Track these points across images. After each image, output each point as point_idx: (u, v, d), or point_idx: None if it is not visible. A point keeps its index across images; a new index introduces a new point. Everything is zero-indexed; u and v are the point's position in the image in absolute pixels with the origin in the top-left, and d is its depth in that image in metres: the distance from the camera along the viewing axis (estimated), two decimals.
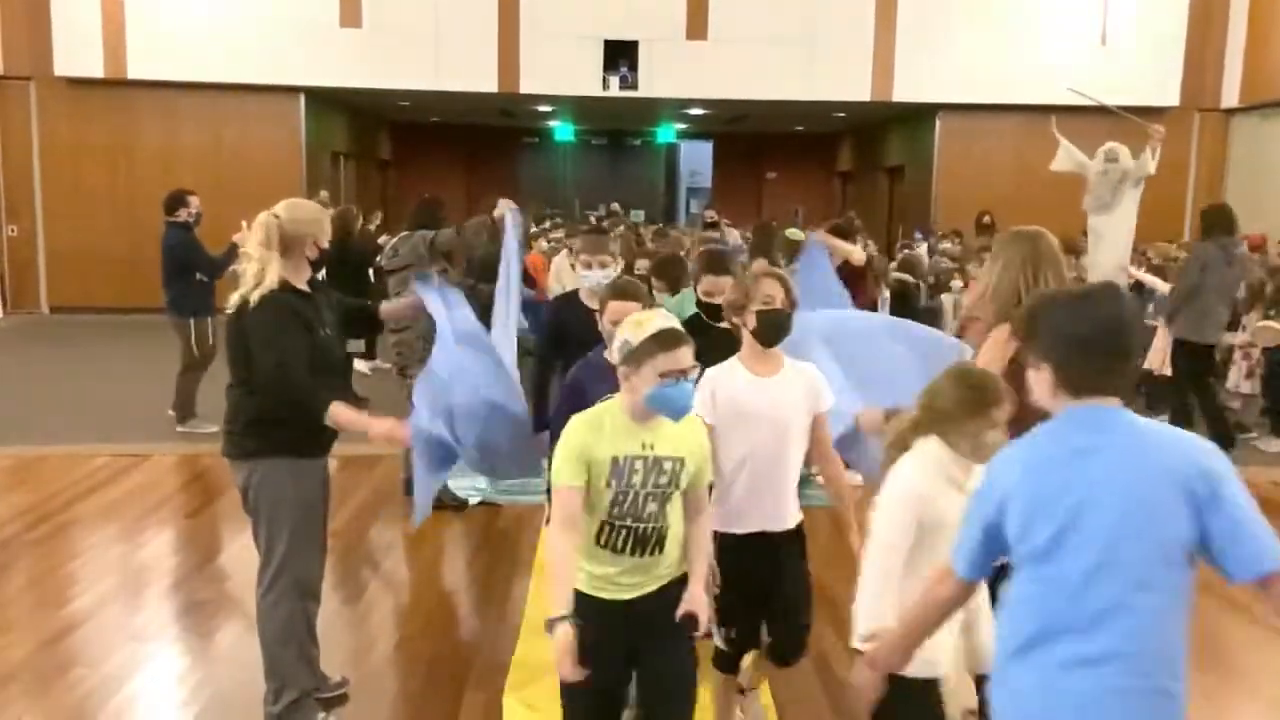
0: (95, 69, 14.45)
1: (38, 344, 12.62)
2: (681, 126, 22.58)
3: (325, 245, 3.67)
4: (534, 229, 11.85)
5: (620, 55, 15.08)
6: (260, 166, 14.92)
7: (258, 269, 3.49)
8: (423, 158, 21.77)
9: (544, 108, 18.73)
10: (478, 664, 4.36)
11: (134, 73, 14.53)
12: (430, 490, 3.81)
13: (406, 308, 4.15)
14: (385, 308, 4.07)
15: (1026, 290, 3.43)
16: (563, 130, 22.39)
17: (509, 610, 4.87)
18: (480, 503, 6.43)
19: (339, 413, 3.46)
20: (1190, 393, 8.24)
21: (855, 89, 15.32)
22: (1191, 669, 4.52)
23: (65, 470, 6.96)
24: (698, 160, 25.40)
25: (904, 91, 15.25)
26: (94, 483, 6.73)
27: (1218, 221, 8.20)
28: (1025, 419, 3.45)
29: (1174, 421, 8.17)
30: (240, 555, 5.56)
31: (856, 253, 7.59)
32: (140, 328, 13.65)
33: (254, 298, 3.45)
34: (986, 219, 13.28)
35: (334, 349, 3.70)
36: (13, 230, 15.01)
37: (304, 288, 3.61)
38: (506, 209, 5.25)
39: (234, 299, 3.52)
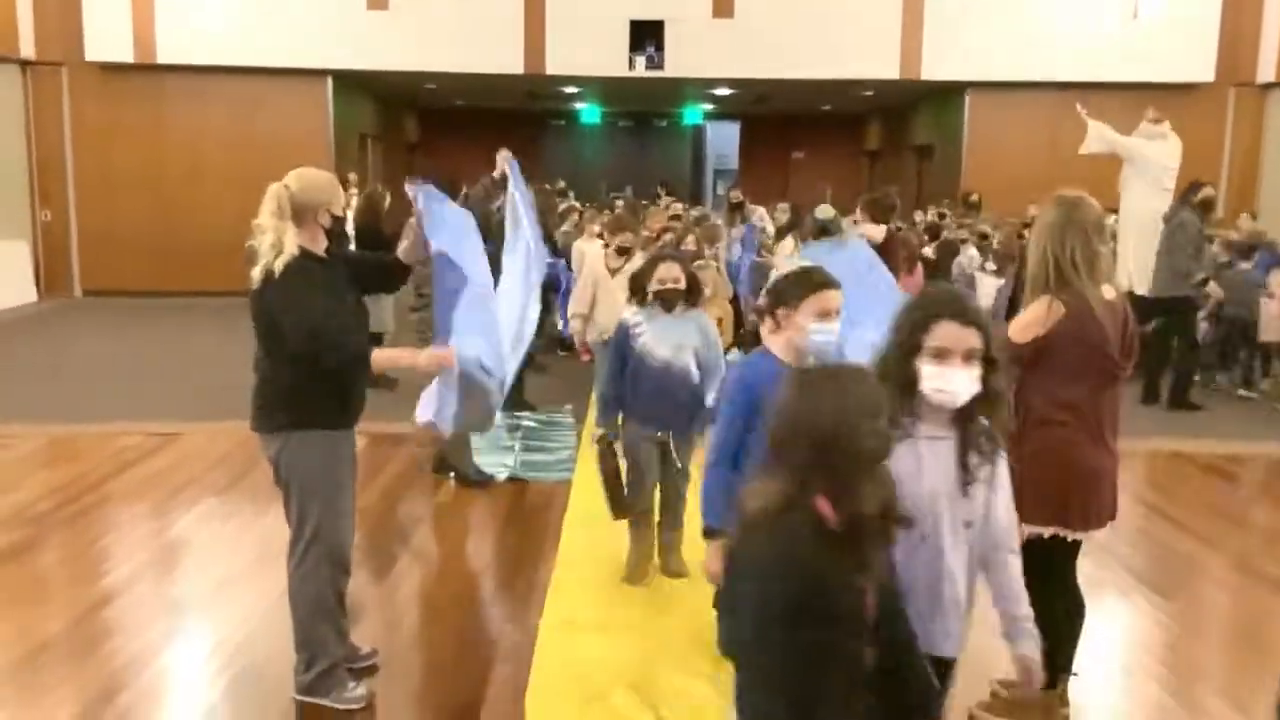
0: (125, 54, 14.55)
1: (71, 327, 12.77)
2: (708, 107, 22.48)
3: (338, 213, 3.65)
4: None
5: (646, 35, 15.01)
6: (288, 150, 14.89)
7: (274, 239, 3.49)
8: (449, 141, 21.76)
9: (570, 89, 18.69)
10: (506, 636, 4.39)
11: (163, 57, 14.63)
12: (453, 407, 3.76)
13: (415, 243, 3.98)
14: (400, 250, 4.01)
15: (1053, 256, 3.40)
16: (589, 113, 22.34)
17: (537, 585, 4.88)
18: (508, 479, 6.46)
19: (381, 355, 3.60)
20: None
21: (883, 67, 15.19)
22: (1234, 650, 4.49)
23: (98, 448, 7.04)
24: (724, 142, 25.28)
25: (932, 69, 15.10)
26: (127, 460, 6.80)
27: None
28: (1029, 396, 3.44)
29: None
30: (271, 528, 5.61)
31: (876, 233, 7.57)
32: (172, 310, 13.83)
33: (277, 266, 3.46)
34: (974, 198, 13.28)
35: (358, 316, 3.71)
36: (46, 215, 15.16)
37: (323, 255, 3.63)
38: (504, 161, 5.31)
39: (256, 272, 3.53)
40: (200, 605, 4.74)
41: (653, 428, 4.68)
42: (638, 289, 4.70)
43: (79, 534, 5.57)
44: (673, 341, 4.60)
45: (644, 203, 13.98)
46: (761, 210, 11.36)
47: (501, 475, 6.50)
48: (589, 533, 5.42)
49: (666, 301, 4.60)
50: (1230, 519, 6.19)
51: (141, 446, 7.09)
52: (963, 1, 14.73)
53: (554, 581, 4.88)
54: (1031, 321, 3.45)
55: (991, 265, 11.15)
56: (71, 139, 15.12)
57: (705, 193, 24.99)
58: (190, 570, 5.18)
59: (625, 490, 4.76)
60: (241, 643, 4.29)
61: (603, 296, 6.46)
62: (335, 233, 3.72)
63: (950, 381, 2.34)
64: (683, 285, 4.61)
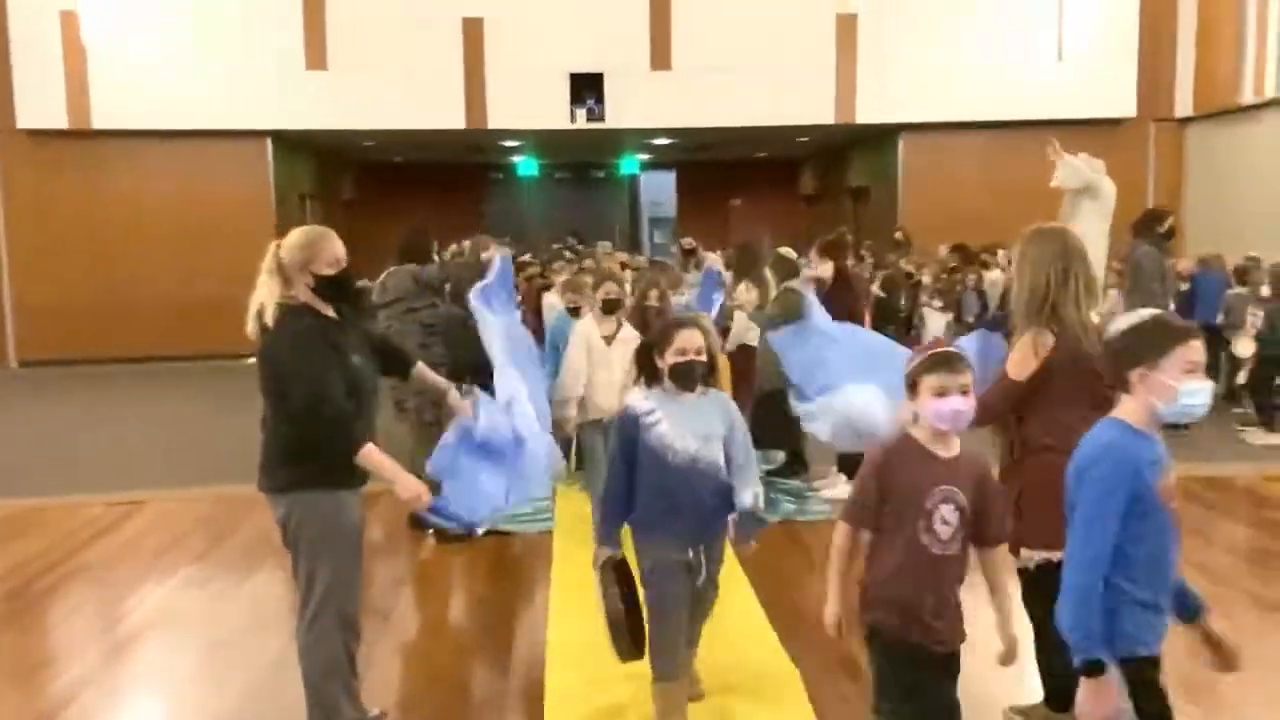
0: (59, 120, 14.36)
1: (11, 398, 12.44)
2: (646, 157, 22.74)
3: (321, 271, 3.54)
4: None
5: (586, 88, 15.20)
6: (230, 211, 14.89)
7: (263, 294, 3.50)
8: (388, 197, 21.66)
9: (510, 143, 18.81)
10: (513, 689, 4.34)
11: (98, 123, 14.46)
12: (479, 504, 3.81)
13: (437, 388, 4.03)
14: (419, 370, 4.02)
15: (1053, 287, 3.50)
16: (526, 165, 22.49)
17: (535, 636, 4.85)
18: (488, 531, 6.40)
19: (371, 454, 3.47)
20: None
21: (819, 112, 15.54)
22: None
23: (62, 521, 6.85)
24: (659, 190, 25.53)
25: (867, 113, 15.48)
26: (95, 531, 6.62)
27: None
28: (1038, 424, 3.54)
29: None
30: (257, 592, 5.57)
31: (824, 272, 7.65)
32: (116, 376, 13.56)
33: (268, 319, 3.45)
34: (899, 235, 13.51)
35: (366, 376, 3.68)
36: None
37: (330, 314, 3.60)
38: (498, 253, 5.07)
39: (250, 328, 3.52)
40: (192, 674, 4.62)
41: (681, 543, 3.61)
42: (647, 364, 3.68)
43: (52, 610, 5.41)
44: (698, 430, 3.60)
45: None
46: (713, 255, 11.46)
47: (481, 529, 6.43)
48: (581, 576, 5.41)
49: (687, 378, 3.59)
50: (1206, 539, 6.33)
51: (107, 516, 6.92)
52: (893, 46, 15.14)
53: (551, 629, 4.85)
54: (1025, 358, 3.55)
55: (938, 302, 11.44)
56: (4, 208, 14.83)
57: (641, 242, 25.19)
58: (178, 639, 5.03)
59: (635, 627, 3.76)
60: (238, 711, 4.19)
61: (595, 371, 5.70)
62: (327, 292, 3.58)
63: None
64: (705, 357, 3.62)
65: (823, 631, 4.65)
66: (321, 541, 3.55)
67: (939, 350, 2.91)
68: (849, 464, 7.14)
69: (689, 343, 3.56)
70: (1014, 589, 2.97)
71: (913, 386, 2.89)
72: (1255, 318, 9.10)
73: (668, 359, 3.57)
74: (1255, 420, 8.97)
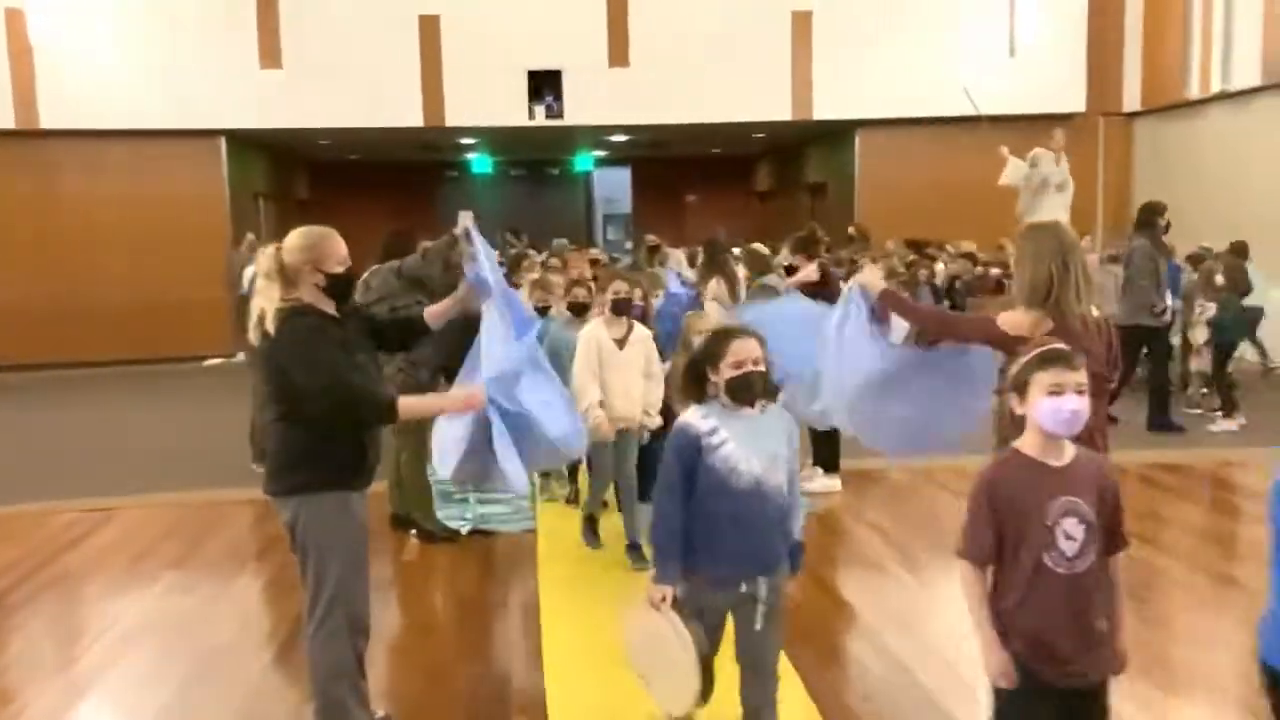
0: (6, 120, 14.10)
1: None
2: (601, 154, 22.77)
3: (331, 269, 3.54)
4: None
5: (544, 85, 15.21)
6: (184, 211, 14.73)
7: (264, 299, 3.49)
8: (342, 196, 21.48)
9: (466, 140, 18.75)
10: (515, 691, 4.36)
11: (47, 122, 14.22)
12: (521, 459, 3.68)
13: (450, 306, 3.95)
14: (430, 310, 3.96)
15: (1056, 279, 3.58)
16: (480, 163, 22.43)
17: (530, 637, 4.86)
18: (472, 531, 6.41)
19: (408, 402, 3.58)
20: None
21: (776, 109, 15.66)
22: (1204, 643, 4.69)
23: (35, 528, 6.74)
24: (612, 187, 25.56)
25: (824, 109, 15.64)
26: (70, 538, 6.52)
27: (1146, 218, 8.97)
28: None
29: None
30: (242, 598, 5.55)
31: (812, 272, 7.71)
32: (70, 381, 13.32)
33: (269, 322, 3.44)
34: (852, 231, 13.66)
35: (371, 373, 3.68)
36: None
37: (333, 313, 3.59)
38: (467, 220, 4.98)
39: (252, 334, 3.51)
40: (189, 679, 4.55)
41: (733, 578, 3.24)
42: (699, 378, 3.27)
43: (35, 619, 5.32)
44: (765, 450, 3.22)
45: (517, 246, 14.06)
46: (678, 253, 11.51)
47: (465, 528, 6.45)
48: (568, 574, 5.48)
49: (747, 392, 3.20)
50: (1164, 521, 6.50)
51: (81, 524, 6.80)
52: (849, 43, 15.29)
53: (545, 630, 4.86)
54: (1021, 324, 3.60)
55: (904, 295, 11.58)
56: None
57: (595, 238, 25.19)
58: (171, 645, 4.97)
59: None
60: (239, 713, 4.16)
61: (610, 375, 5.49)
62: (335, 290, 3.59)
63: None
64: (764, 367, 3.22)
65: (812, 624, 4.73)
66: (330, 544, 3.54)
67: (1052, 346, 2.74)
68: (826, 458, 7.23)
69: (746, 353, 3.18)
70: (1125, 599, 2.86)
71: (1022, 387, 2.69)
72: (1204, 308, 9.37)
73: (723, 372, 3.18)
74: (1216, 407, 9.20)
